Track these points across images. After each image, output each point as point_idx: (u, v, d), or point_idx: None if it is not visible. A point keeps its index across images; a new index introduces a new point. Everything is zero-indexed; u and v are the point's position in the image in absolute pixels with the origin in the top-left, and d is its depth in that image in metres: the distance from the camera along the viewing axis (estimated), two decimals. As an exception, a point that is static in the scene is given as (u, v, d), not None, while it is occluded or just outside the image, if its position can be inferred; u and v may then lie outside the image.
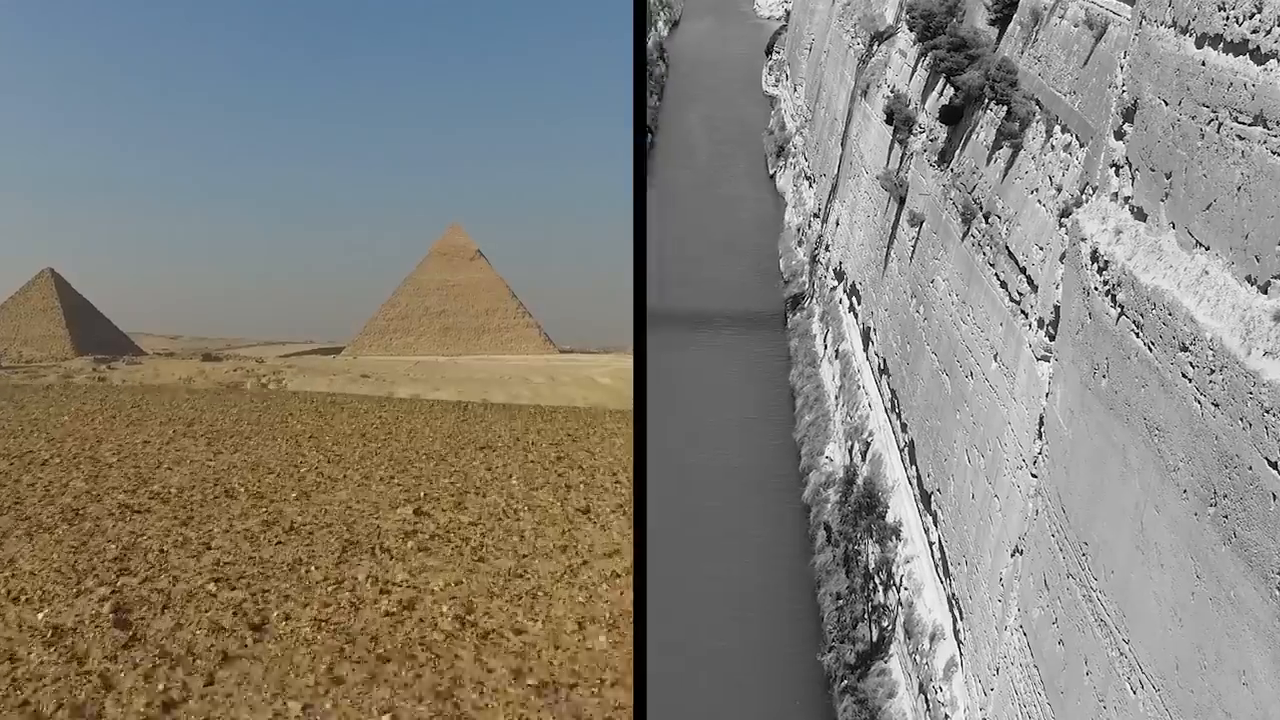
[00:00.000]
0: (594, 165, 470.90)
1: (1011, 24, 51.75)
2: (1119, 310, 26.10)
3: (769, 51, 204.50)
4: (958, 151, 53.83)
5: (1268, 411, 18.49)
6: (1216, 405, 20.27)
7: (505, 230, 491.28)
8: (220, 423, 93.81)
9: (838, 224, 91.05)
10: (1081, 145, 37.32)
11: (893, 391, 59.96)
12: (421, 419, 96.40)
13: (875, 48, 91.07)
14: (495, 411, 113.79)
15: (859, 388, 70.19)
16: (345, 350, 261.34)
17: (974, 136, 51.48)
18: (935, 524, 47.93)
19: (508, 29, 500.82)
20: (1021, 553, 34.48)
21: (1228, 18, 22.30)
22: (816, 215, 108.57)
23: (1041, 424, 34.19)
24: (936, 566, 47.40)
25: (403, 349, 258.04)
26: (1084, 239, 30.16)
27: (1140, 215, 26.80)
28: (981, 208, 47.39)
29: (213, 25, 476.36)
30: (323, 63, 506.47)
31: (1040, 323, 36.50)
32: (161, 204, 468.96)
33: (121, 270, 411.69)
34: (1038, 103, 43.93)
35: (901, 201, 64.38)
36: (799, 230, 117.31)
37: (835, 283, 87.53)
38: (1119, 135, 29.40)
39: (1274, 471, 18.21)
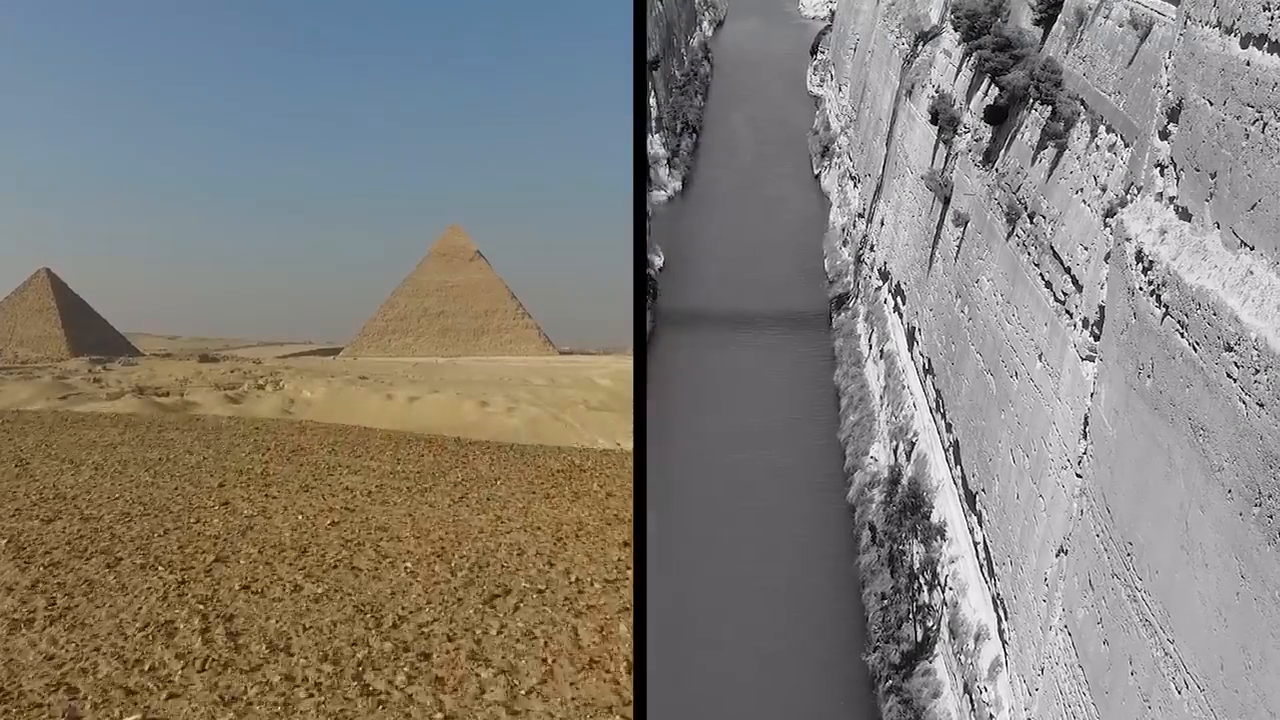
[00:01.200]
0: (594, 166, 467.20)
1: (1056, 24, 51.63)
2: (1164, 310, 26.10)
3: (814, 51, 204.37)
4: (1002, 151, 53.74)
5: (1311, 411, 18.52)
6: (1261, 405, 20.29)
7: (505, 231, 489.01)
8: (103, 515, 51.82)
9: (882, 224, 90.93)
10: (1126, 145, 37.27)
11: (937, 391, 59.89)
12: (402, 514, 52.83)
13: (920, 48, 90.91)
14: (510, 481, 64.76)
15: (904, 388, 70.10)
16: (344, 351, 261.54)
17: (1019, 136, 51.40)
18: (980, 524, 47.90)
19: (508, 28, 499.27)
20: (1066, 553, 34.47)
21: (1273, 18, 22.30)
22: (861, 215, 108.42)
23: (1086, 424, 34.17)
24: (981, 566, 47.37)
25: (401, 350, 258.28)
26: (1128, 239, 30.15)
27: (1185, 215, 26.79)
28: (1026, 207, 47.32)
29: (211, 23, 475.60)
30: (321, 61, 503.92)
31: (1085, 323, 36.46)
32: (159, 203, 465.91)
33: (119, 270, 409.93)
34: (1082, 103, 43.84)
35: (946, 201, 64.28)
36: (844, 230, 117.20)
37: (880, 283, 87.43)
38: (1164, 135, 29.37)
39: (1318, 471, 18.24)
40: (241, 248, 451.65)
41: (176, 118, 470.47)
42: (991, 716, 41.59)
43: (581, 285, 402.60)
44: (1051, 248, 42.43)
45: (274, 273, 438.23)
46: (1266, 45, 22.58)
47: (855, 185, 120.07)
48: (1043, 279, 42.95)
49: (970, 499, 50.11)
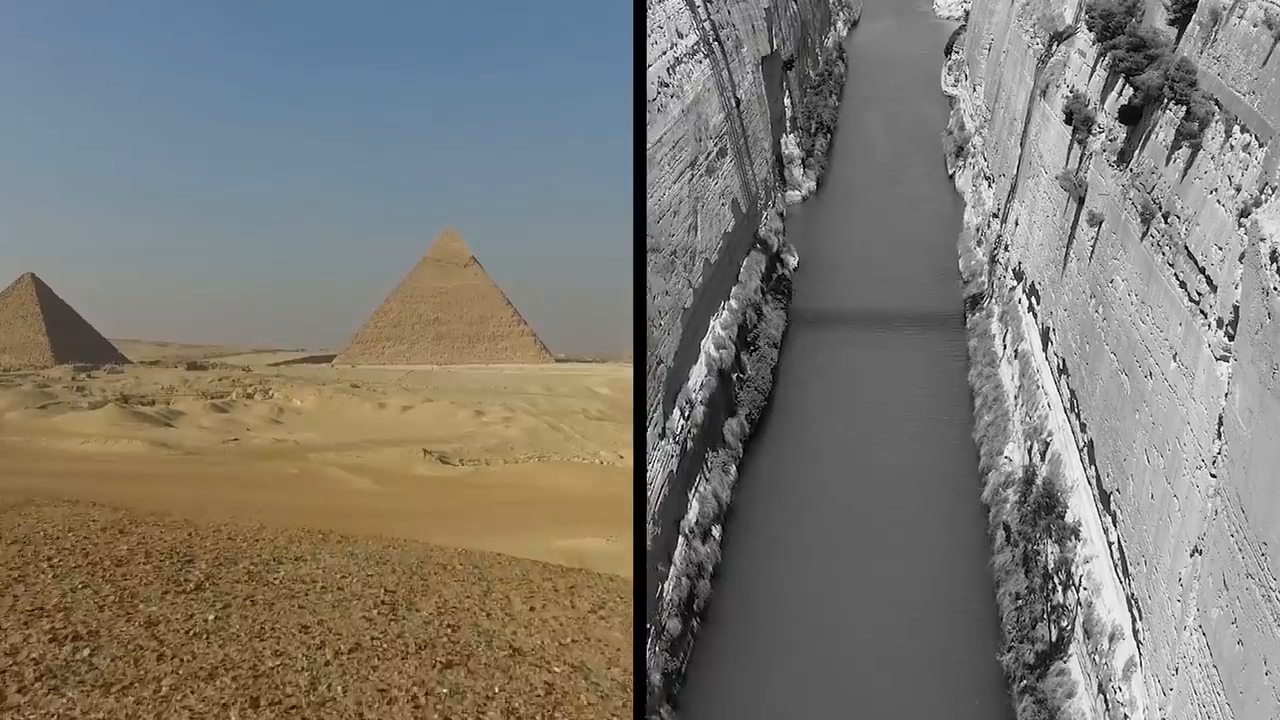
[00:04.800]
0: (592, 168, 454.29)
1: (1190, 24, 51.27)
2: (1294, 311, 26.33)
3: (948, 51, 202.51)
4: (1137, 151, 53.51)
5: None
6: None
7: (500, 235, 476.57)
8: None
9: (1017, 224, 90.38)
10: (1260, 145, 37.17)
11: (1072, 391, 59.73)
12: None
13: (1054, 47, 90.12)
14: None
15: (1038, 387, 69.86)
16: (337, 359, 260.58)
17: (1153, 136, 51.17)
18: (1114, 524, 47.87)
19: (504, 29, 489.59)
20: (1200, 553, 34.59)
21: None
22: (995, 215, 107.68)
23: (1220, 424, 34.26)
24: (1115, 566, 47.35)
25: (395, 358, 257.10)
26: (1263, 239, 30.31)
27: (1316, 217, 26.98)
28: (1161, 207, 47.19)
29: (206, 26, 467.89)
30: (315, 67, 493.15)
31: (1219, 322, 36.48)
32: (151, 208, 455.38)
33: (109, 276, 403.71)
34: (1217, 103, 43.64)
35: (1081, 201, 63.97)
36: (978, 230, 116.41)
37: (1014, 283, 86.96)
38: (1296, 137, 29.50)
39: None
40: (234, 253, 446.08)
41: (167, 120, 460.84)
42: (1126, 717, 41.69)
43: (578, 290, 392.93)
44: (1186, 248, 42.36)
45: (267, 278, 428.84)
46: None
47: (990, 185, 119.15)
48: (1177, 279, 42.89)
49: (1105, 499, 50.06)
